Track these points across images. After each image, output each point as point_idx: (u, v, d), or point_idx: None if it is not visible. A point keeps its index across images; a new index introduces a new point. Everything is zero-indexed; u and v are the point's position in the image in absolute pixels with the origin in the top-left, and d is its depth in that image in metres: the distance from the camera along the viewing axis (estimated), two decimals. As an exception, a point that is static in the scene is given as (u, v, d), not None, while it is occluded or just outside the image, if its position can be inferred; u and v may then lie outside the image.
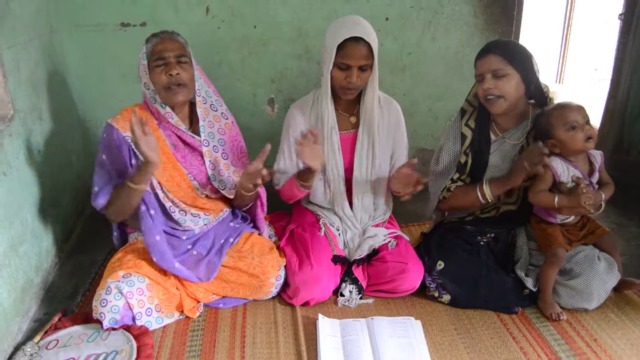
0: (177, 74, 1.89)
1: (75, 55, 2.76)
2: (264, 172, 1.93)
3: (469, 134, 2.07)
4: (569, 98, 1.99)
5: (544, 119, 1.90)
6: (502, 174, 2.03)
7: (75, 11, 2.69)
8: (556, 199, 1.88)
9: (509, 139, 2.04)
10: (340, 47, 1.93)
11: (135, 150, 1.84)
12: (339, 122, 2.15)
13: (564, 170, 1.91)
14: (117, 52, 2.76)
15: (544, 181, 1.91)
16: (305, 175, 2.05)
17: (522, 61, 1.91)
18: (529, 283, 1.98)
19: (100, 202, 1.93)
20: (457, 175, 2.10)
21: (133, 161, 1.92)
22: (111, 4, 2.72)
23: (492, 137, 2.06)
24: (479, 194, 2.02)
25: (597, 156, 1.95)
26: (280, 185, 2.19)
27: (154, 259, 1.89)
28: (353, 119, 2.18)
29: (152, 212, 1.95)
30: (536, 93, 1.99)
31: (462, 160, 2.08)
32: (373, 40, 1.96)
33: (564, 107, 1.88)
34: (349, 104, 2.16)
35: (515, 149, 2.03)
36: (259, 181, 1.97)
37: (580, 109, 1.87)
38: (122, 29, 2.76)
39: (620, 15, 3.31)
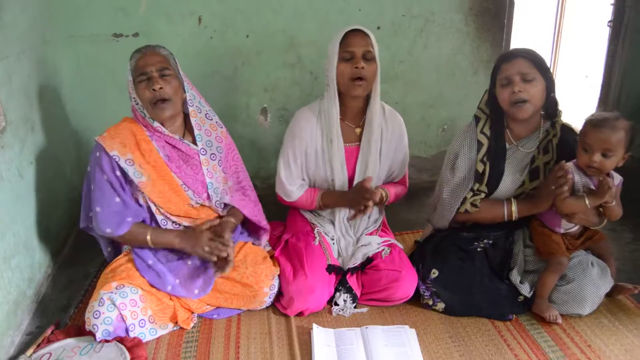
0: (160, 88, 1.87)
1: (68, 66, 2.76)
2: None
3: (485, 141, 2.04)
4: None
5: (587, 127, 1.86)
6: (515, 184, 2.03)
7: (68, 22, 2.70)
8: (587, 200, 1.86)
9: (523, 147, 2.03)
10: (342, 41, 2.00)
11: (124, 169, 1.88)
12: (345, 133, 2.15)
13: (577, 179, 1.90)
14: (110, 62, 2.76)
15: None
16: (341, 203, 2.16)
17: (546, 68, 1.92)
18: (525, 289, 1.98)
19: (120, 231, 1.91)
20: (477, 185, 2.05)
21: (125, 178, 1.92)
22: (104, 14, 2.72)
23: (506, 144, 2.04)
24: (506, 213, 2.03)
25: (616, 179, 1.92)
26: (295, 198, 2.19)
27: (146, 279, 1.91)
28: (358, 130, 2.18)
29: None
30: (551, 104, 1.98)
31: (480, 169, 2.03)
32: (372, 35, 2.03)
33: (604, 129, 1.80)
34: (355, 114, 2.15)
35: (528, 157, 2.02)
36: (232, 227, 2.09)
37: (618, 141, 1.78)
38: (114, 39, 2.76)
39: (609, 22, 3.35)
